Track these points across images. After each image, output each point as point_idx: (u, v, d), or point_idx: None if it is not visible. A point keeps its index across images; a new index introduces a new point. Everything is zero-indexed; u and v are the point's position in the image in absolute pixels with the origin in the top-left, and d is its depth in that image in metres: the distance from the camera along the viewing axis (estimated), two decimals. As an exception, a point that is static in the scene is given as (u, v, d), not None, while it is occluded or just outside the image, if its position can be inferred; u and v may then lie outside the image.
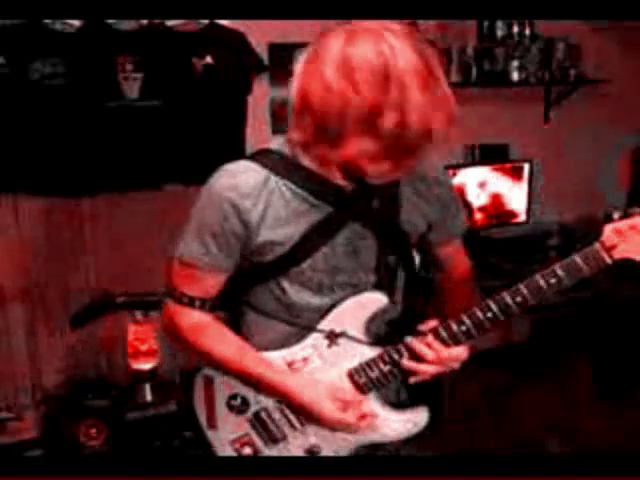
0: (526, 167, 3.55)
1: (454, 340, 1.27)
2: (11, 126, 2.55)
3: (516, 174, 3.54)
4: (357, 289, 1.29)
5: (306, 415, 1.30)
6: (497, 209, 3.53)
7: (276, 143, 1.26)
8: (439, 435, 3.05)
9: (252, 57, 2.84)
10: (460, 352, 1.28)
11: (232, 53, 2.79)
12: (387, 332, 1.34)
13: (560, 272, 1.23)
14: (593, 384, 3.41)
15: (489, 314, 1.25)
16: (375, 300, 1.29)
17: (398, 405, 1.38)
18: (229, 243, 1.24)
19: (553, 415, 3.21)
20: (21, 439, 2.85)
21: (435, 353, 1.27)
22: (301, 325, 1.30)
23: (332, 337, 1.29)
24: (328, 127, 1.08)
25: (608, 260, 1.21)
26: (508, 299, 1.24)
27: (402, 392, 1.42)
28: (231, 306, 1.38)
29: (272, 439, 1.38)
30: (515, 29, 3.38)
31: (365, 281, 1.29)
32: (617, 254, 1.21)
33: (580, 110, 3.76)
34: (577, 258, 1.23)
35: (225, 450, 1.42)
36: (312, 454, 1.36)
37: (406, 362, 1.28)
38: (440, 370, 1.30)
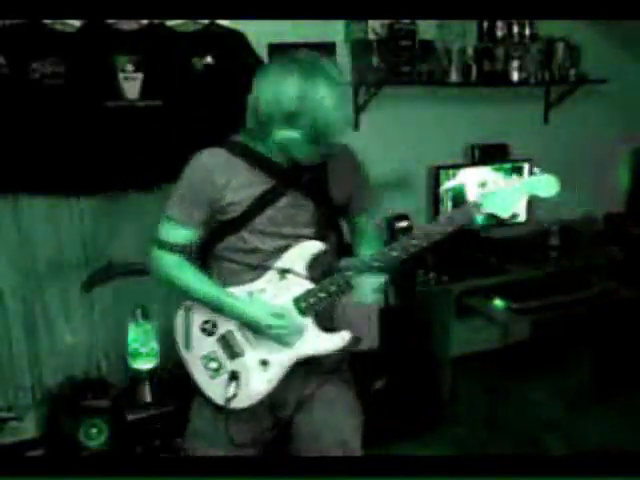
0: (526, 167, 3.55)
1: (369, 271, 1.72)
2: (11, 126, 2.55)
3: (516, 174, 3.54)
4: (299, 239, 1.71)
5: (254, 327, 1.72)
6: (497, 209, 3.53)
7: (238, 136, 1.73)
8: (440, 435, 3.07)
9: (252, 57, 2.84)
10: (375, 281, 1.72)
11: (232, 53, 2.79)
12: (323, 271, 1.74)
13: (442, 220, 1.68)
14: (593, 384, 3.42)
15: (394, 253, 1.68)
16: (314, 246, 1.72)
17: (329, 329, 1.75)
18: (200, 202, 1.68)
19: (553, 415, 3.21)
20: (21, 439, 2.85)
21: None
22: (258, 266, 1.72)
23: (282, 273, 1.71)
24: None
25: (475, 214, 1.66)
26: (407, 243, 1.67)
27: (332, 319, 1.79)
28: (206, 259, 1.79)
29: (233, 354, 1.76)
30: (515, 29, 3.38)
31: (305, 233, 1.72)
32: (483, 210, 1.66)
33: (580, 110, 3.77)
34: (454, 213, 1.71)
35: (196, 365, 1.79)
36: (264, 365, 1.73)
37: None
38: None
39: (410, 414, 3.03)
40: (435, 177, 3.38)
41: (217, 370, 1.76)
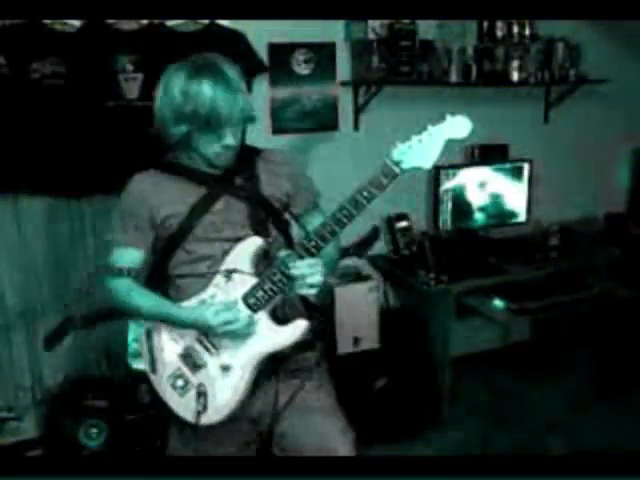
0: (526, 167, 3.55)
1: (307, 253, 1.68)
2: (11, 126, 2.55)
3: (516, 174, 3.55)
4: (240, 241, 1.73)
5: (207, 330, 1.72)
6: (497, 209, 3.53)
7: (167, 155, 1.82)
8: (440, 435, 3.07)
9: (252, 57, 2.84)
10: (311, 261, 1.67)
11: (232, 53, 2.78)
12: (266, 264, 1.74)
13: (369, 187, 1.62)
14: (593, 384, 3.42)
15: (327, 227, 1.65)
16: (254, 243, 1.73)
17: (283, 321, 1.74)
18: (140, 222, 1.75)
19: (553, 415, 3.21)
20: (21, 439, 2.85)
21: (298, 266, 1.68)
22: (206, 273, 1.74)
23: (228, 275, 1.73)
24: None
25: (397, 170, 1.61)
26: (338, 214, 1.64)
27: (286, 311, 1.79)
28: (162, 286, 1.81)
29: (196, 367, 1.76)
30: (515, 29, 3.38)
31: (244, 234, 1.74)
32: (403, 166, 1.62)
33: (580, 110, 3.77)
34: (379, 175, 1.62)
35: (164, 386, 1.80)
36: (225, 370, 1.73)
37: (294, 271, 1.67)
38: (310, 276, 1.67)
39: (410, 414, 3.03)
40: (435, 177, 3.38)
41: (184, 387, 1.76)
